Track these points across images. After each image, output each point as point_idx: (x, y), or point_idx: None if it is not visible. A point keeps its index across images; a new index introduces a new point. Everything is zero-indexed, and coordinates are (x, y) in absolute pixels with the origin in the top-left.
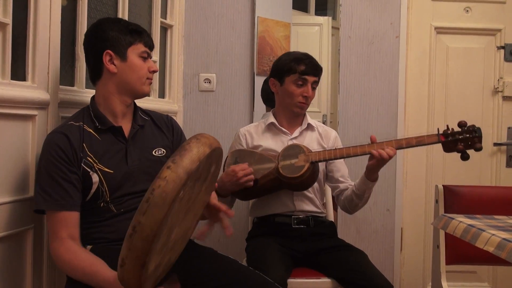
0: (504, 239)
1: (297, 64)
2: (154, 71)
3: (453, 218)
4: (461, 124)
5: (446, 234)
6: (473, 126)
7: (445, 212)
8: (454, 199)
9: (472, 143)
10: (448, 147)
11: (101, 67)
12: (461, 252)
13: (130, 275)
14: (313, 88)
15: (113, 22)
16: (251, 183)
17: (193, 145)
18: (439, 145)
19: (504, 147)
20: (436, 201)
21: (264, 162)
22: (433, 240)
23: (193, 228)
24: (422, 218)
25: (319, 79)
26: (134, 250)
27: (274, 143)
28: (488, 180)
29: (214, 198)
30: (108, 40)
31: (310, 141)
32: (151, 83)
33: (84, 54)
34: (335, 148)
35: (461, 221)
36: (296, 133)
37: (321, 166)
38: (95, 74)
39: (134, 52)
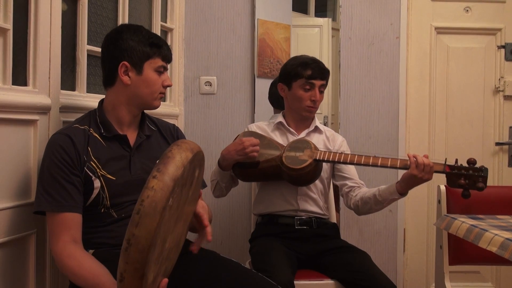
0: (507, 239)
1: (304, 69)
2: (168, 86)
3: (455, 219)
4: (470, 162)
5: (449, 234)
6: (482, 166)
7: (447, 213)
8: (457, 199)
9: (476, 181)
10: (451, 180)
11: (115, 76)
12: (464, 252)
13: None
14: (321, 92)
15: (134, 32)
16: (255, 154)
17: (175, 152)
18: (441, 146)
19: (506, 147)
20: (439, 202)
21: (271, 148)
22: (436, 240)
23: (185, 235)
24: (424, 219)
25: (326, 82)
26: (132, 262)
27: (281, 142)
28: (490, 179)
29: (200, 207)
30: (126, 50)
31: (317, 143)
32: (162, 97)
33: (85, 58)
34: (342, 152)
35: (463, 221)
36: (303, 134)
37: (329, 167)
38: (108, 80)
39: (151, 66)
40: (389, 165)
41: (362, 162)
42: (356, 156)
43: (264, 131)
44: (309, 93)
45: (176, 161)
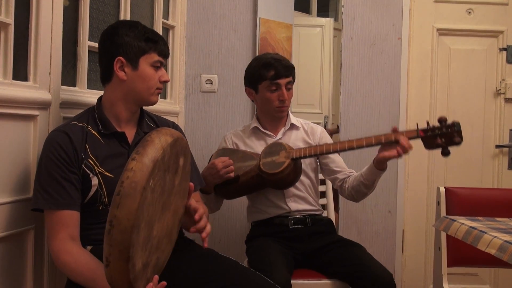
0: (506, 241)
1: (267, 71)
2: (165, 81)
3: (454, 220)
4: (441, 120)
5: (447, 236)
6: (453, 121)
7: (446, 214)
8: (456, 201)
9: (452, 138)
10: (428, 143)
11: (111, 72)
12: (463, 254)
13: (117, 273)
14: (288, 89)
15: (130, 27)
16: (232, 174)
17: (154, 136)
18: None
19: (506, 149)
20: (438, 203)
21: (246, 160)
22: (435, 242)
23: (177, 228)
24: (423, 220)
25: (293, 78)
26: (115, 244)
27: (259, 147)
28: (489, 182)
29: (193, 201)
30: (121, 46)
31: (295, 140)
32: (160, 93)
33: (86, 54)
34: (317, 145)
35: (462, 223)
36: (280, 134)
37: (313, 161)
38: (105, 76)
39: (147, 61)
40: (365, 145)
41: (338, 149)
42: (331, 145)
43: (240, 138)
44: (277, 94)
45: (155, 144)
